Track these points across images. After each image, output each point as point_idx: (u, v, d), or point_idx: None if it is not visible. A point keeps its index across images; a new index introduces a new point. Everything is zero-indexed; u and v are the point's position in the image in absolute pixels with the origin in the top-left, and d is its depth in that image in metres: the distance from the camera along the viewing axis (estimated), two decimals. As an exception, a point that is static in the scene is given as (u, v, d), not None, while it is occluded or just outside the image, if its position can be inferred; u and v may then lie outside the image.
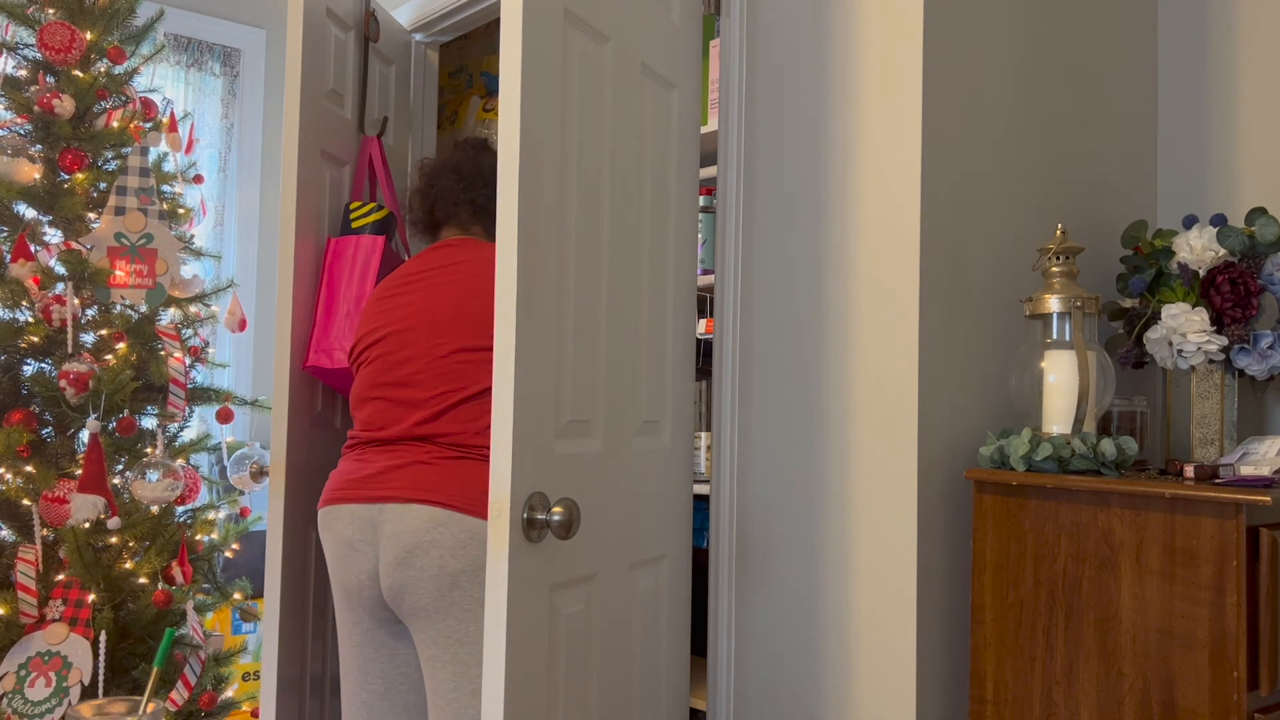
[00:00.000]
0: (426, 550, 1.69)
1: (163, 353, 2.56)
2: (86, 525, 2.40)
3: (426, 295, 1.86)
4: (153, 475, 2.40)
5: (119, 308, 2.57)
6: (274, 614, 2.06)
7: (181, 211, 2.78)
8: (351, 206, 2.22)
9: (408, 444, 1.79)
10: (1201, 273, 1.85)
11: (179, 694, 2.34)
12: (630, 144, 1.74)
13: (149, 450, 2.53)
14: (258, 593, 2.89)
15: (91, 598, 2.38)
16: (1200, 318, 1.79)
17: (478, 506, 1.70)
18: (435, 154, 2.73)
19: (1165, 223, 2.21)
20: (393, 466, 1.77)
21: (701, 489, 2.14)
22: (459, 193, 1.97)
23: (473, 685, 1.71)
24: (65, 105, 2.52)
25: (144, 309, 2.58)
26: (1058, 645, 1.57)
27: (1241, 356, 1.79)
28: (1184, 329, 1.79)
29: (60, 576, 2.40)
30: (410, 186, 2.11)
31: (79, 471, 2.34)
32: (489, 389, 1.77)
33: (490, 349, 1.80)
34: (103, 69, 2.64)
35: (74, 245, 2.48)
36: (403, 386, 1.82)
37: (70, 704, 2.29)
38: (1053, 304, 1.69)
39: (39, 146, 2.55)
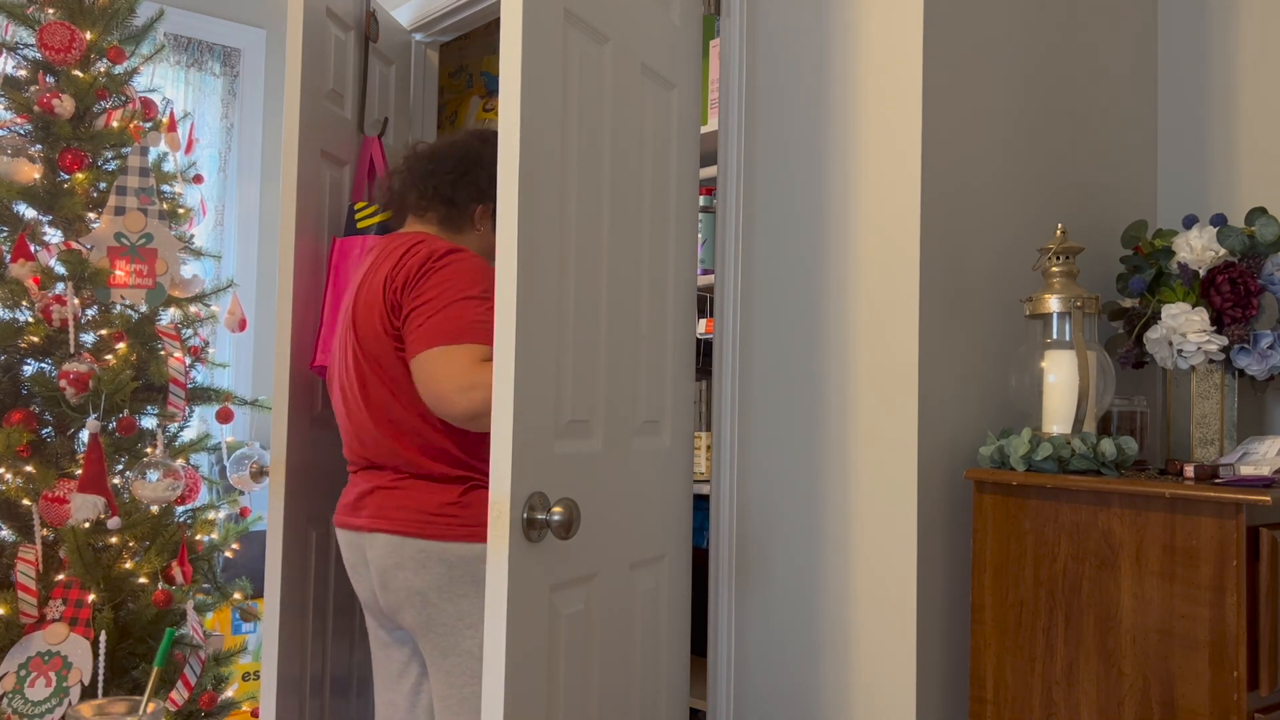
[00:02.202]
0: (394, 573, 1.76)
1: (163, 353, 2.56)
2: (86, 525, 2.40)
3: (353, 305, 1.84)
4: (153, 475, 2.40)
5: (119, 308, 2.56)
6: (274, 614, 2.06)
7: (181, 211, 2.78)
8: (356, 207, 2.22)
9: (370, 470, 1.85)
10: (1201, 273, 1.85)
11: (179, 694, 2.34)
12: (630, 144, 1.74)
13: (149, 450, 2.53)
14: (258, 593, 2.89)
15: (91, 598, 2.38)
16: (1200, 318, 1.78)
17: (429, 527, 1.74)
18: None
19: (1165, 223, 2.21)
20: (365, 492, 1.83)
21: (701, 489, 2.13)
22: (419, 179, 1.87)
23: (459, 694, 1.76)
24: (65, 105, 2.52)
25: (144, 309, 2.58)
26: (1058, 645, 1.56)
27: (1241, 356, 1.79)
28: (1184, 329, 1.79)
29: (60, 576, 2.40)
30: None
31: (79, 471, 2.33)
32: (399, 412, 1.77)
33: (380, 365, 1.77)
34: (102, 69, 2.64)
35: (74, 245, 2.48)
36: (348, 414, 1.86)
37: (70, 704, 2.29)
38: (1053, 304, 1.69)
39: (39, 146, 2.55)
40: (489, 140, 1.91)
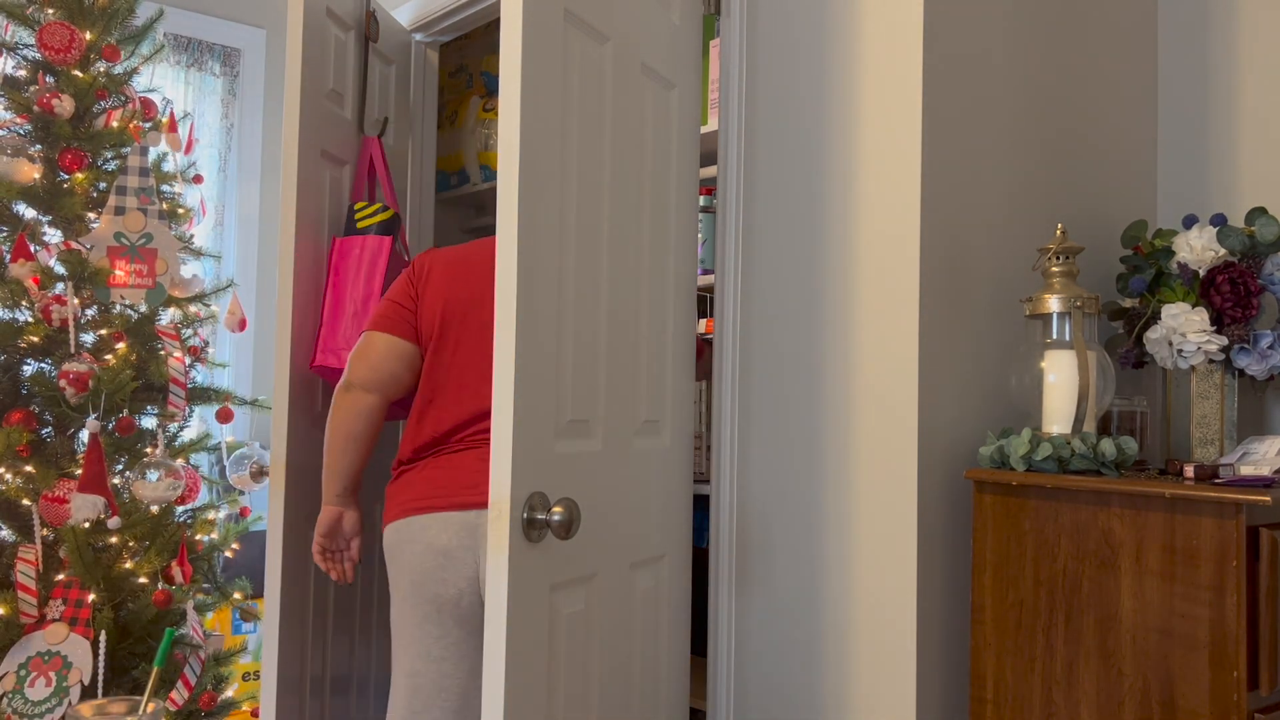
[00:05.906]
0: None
1: (162, 353, 2.56)
2: (86, 525, 2.40)
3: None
4: (153, 475, 2.40)
5: (119, 308, 2.56)
6: (274, 614, 2.06)
7: (181, 211, 2.78)
8: (356, 207, 2.22)
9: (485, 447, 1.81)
10: (1201, 273, 1.85)
11: (179, 694, 2.34)
12: (630, 144, 1.74)
13: (149, 450, 2.53)
14: (258, 593, 2.89)
15: (91, 598, 2.38)
16: (1200, 318, 1.79)
17: None
18: (435, 154, 2.73)
19: (1165, 223, 2.21)
20: (483, 467, 1.77)
21: (701, 489, 2.13)
22: None
23: None
24: (65, 105, 2.52)
25: (144, 309, 2.58)
26: (1058, 645, 1.57)
27: (1241, 356, 1.79)
28: (1184, 329, 1.79)
29: (60, 576, 2.40)
30: None
31: (79, 471, 2.33)
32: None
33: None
34: (102, 69, 2.64)
35: (74, 245, 2.48)
36: (481, 386, 1.85)
37: (70, 704, 2.29)
38: (1053, 304, 1.69)
39: (39, 146, 2.55)
40: None
